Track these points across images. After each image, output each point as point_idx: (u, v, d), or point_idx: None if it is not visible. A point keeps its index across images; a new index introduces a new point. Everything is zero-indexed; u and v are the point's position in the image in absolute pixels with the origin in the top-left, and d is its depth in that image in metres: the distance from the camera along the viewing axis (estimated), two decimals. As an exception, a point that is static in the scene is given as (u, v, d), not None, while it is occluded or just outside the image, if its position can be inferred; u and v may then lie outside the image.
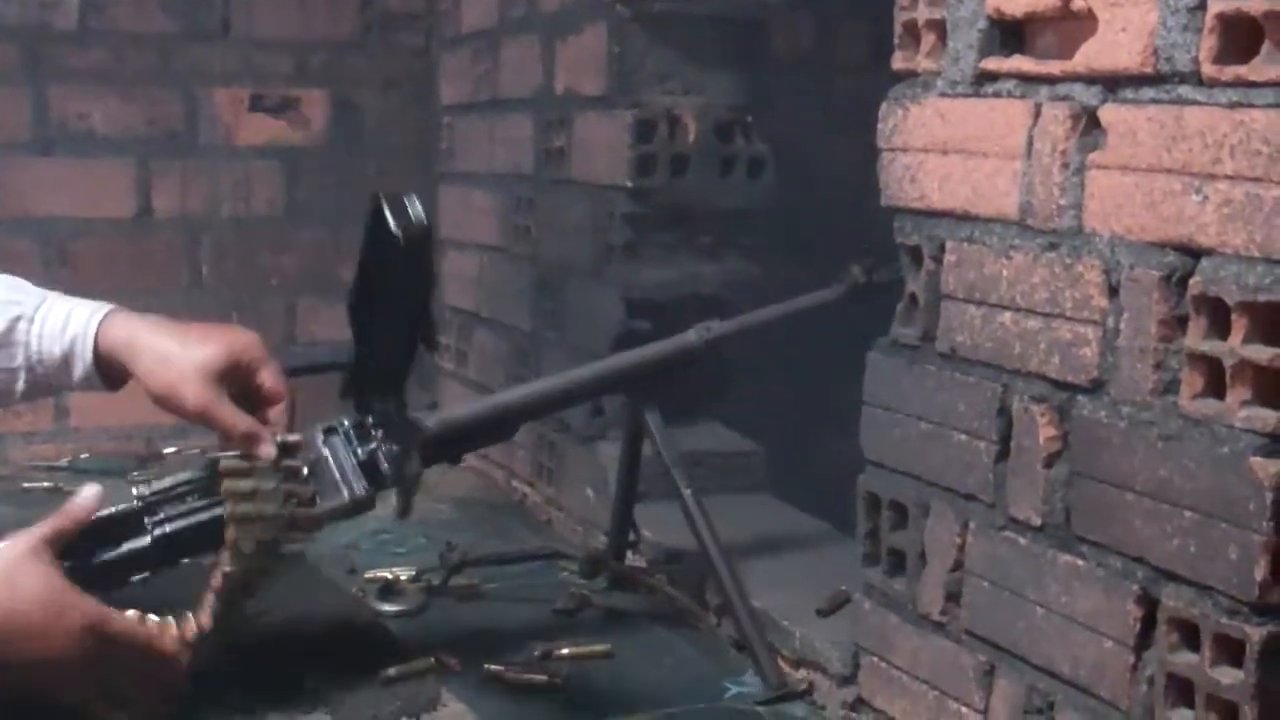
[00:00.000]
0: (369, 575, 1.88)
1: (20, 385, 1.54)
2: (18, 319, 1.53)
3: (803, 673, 1.55)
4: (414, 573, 1.87)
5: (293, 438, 1.46)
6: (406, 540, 2.08)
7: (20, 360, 1.53)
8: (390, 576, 1.86)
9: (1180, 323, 1.07)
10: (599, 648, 1.63)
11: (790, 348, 2.09)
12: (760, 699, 1.52)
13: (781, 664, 1.57)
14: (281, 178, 2.74)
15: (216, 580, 1.40)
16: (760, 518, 1.95)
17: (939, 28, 1.31)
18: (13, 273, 2.43)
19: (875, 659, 1.42)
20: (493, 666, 1.56)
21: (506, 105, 2.40)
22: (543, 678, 1.53)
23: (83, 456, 2.56)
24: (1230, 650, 1.02)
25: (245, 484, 1.41)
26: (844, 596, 1.59)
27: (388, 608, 1.77)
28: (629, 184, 1.96)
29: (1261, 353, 0.99)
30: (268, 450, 1.43)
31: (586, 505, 2.08)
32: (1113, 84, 1.12)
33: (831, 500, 2.00)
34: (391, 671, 1.52)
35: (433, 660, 1.56)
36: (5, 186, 2.59)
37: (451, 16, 2.66)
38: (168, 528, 1.44)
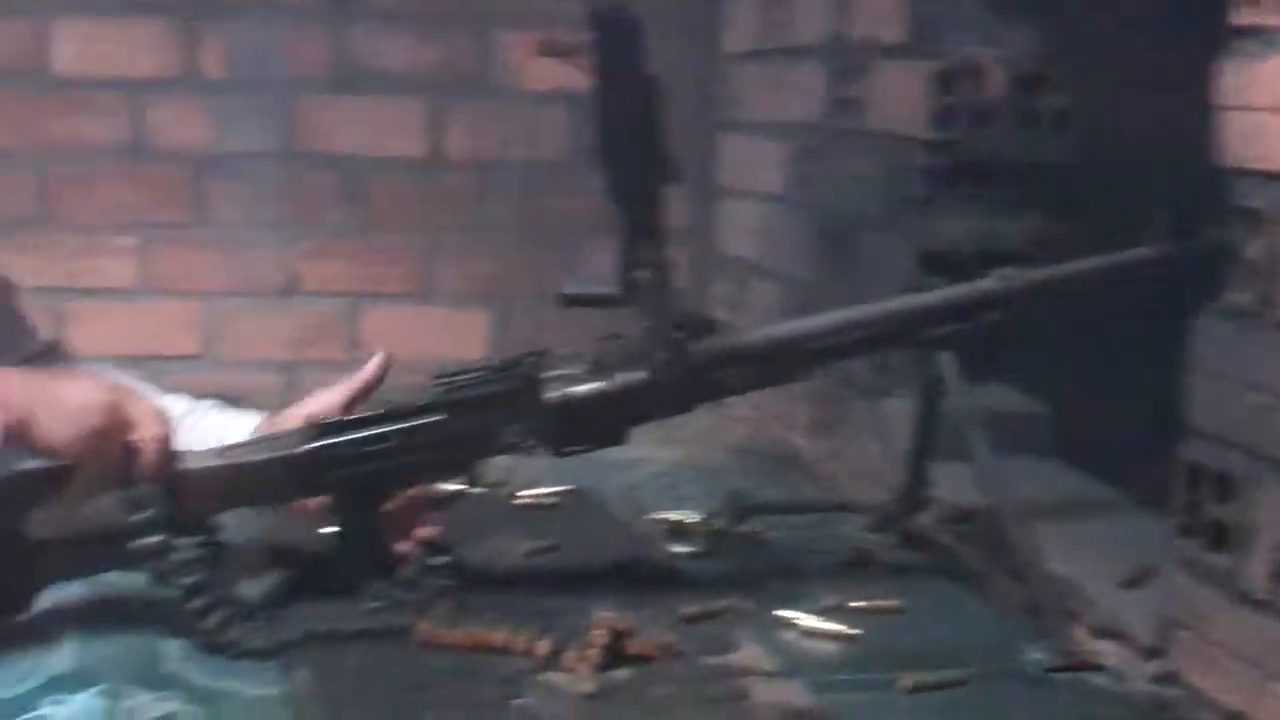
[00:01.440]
0: (655, 516, 1.91)
1: None
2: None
3: (1103, 643, 1.52)
4: (701, 516, 1.89)
5: None
6: (687, 485, 2.11)
7: None
8: (678, 519, 1.88)
9: None
10: (890, 602, 1.62)
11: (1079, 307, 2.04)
12: (1050, 665, 1.49)
13: (1079, 633, 1.54)
14: (567, 122, 2.78)
15: None
16: (1048, 482, 1.91)
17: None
18: (309, 208, 2.56)
19: (1189, 634, 1.38)
20: (785, 613, 1.57)
21: (796, 53, 2.38)
22: (837, 628, 1.53)
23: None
24: None
25: None
26: (1150, 570, 1.54)
27: (678, 549, 1.79)
28: (928, 135, 1.93)
29: None
30: None
31: (868, 460, 2.07)
32: None
33: (1114, 467, 1.96)
34: (689, 611, 1.55)
35: (728, 602, 1.58)
36: (304, 122, 2.69)
37: (740, -37, 2.65)
38: None
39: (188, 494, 1.50)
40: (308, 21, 2.67)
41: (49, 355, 1.76)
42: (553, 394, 1.55)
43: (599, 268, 2.79)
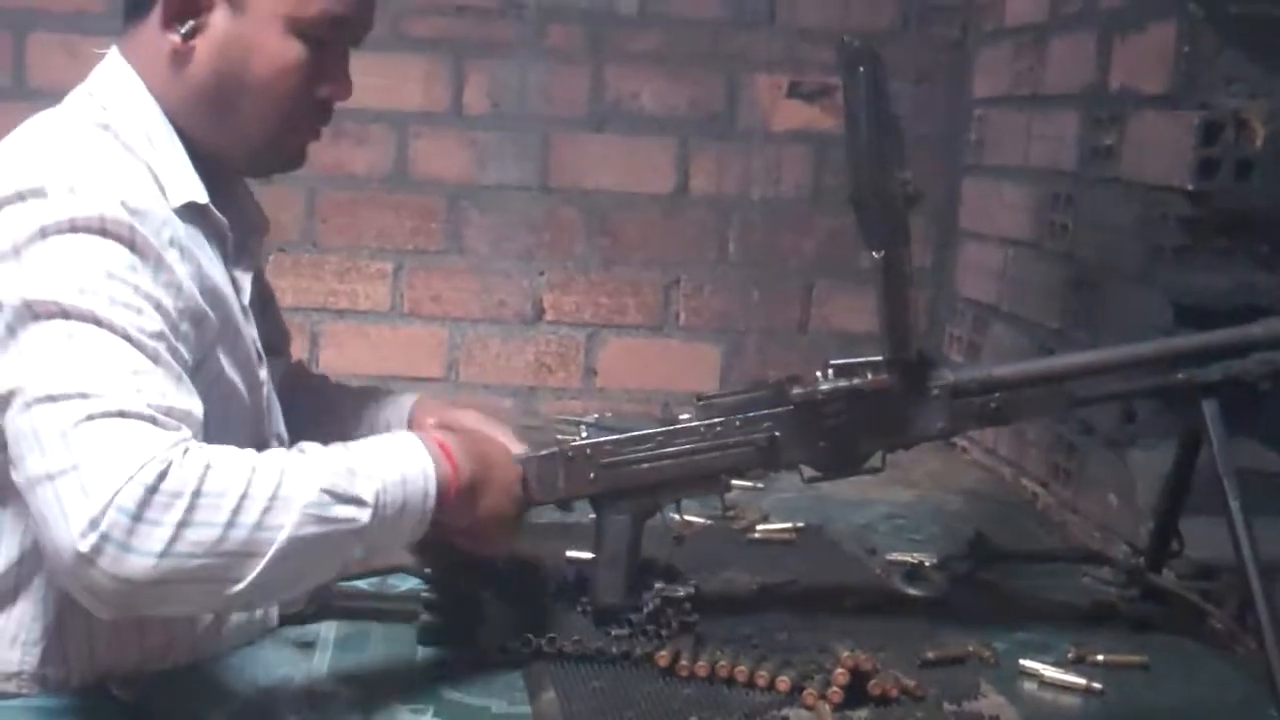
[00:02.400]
0: (890, 558, 1.92)
1: None
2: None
3: (1352, 715, 1.48)
4: (938, 559, 1.89)
5: None
6: (922, 527, 2.11)
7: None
8: (914, 561, 1.89)
9: None
10: (1135, 657, 1.61)
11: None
12: (1281, 732, 1.46)
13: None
14: (810, 163, 2.82)
15: None
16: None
17: None
18: (557, 240, 2.65)
19: None
20: (1027, 663, 1.56)
21: (1049, 100, 2.37)
22: (1082, 681, 1.52)
23: (606, 415, 2.73)
24: None
25: None
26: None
27: (914, 591, 1.80)
28: (1188, 186, 1.90)
29: None
30: None
31: (1108, 511, 2.04)
32: None
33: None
34: (930, 654, 1.56)
35: (969, 649, 1.58)
36: (561, 159, 2.79)
37: (993, 10, 2.65)
38: None
39: None
40: (570, 63, 2.76)
41: (299, 376, 1.83)
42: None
43: (831, 315, 2.82)
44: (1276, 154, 1.91)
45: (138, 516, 1.18)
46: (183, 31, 1.41)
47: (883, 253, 1.55)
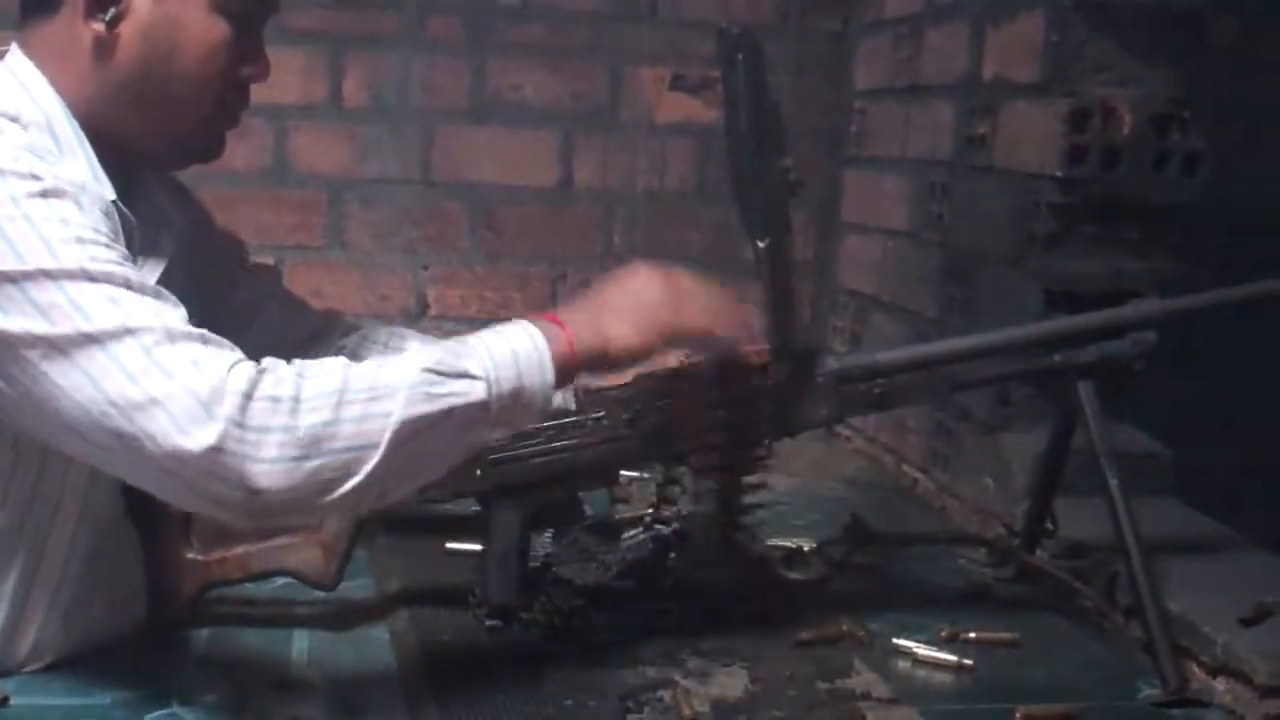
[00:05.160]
0: (771, 543, 1.93)
1: None
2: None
3: (1219, 680, 1.51)
4: (816, 544, 1.91)
5: None
6: (802, 513, 2.13)
7: None
8: (794, 546, 1.90)
9: None
10: (1006, 635, 1.63)
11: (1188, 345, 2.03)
12: (1160, 701, 1.49)
13: (1196, 670, 1.54)
14: (694, 155, 2.83)
15: None
16: (1168, 521, 1.90)
17: None
18: (441, 233, 2.65)
19: (1309, 674, 1.37)
20: (901, 641, 1.58)
21: (926, 91, 2.40)
22: (954, 658, 1.55)
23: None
24: None
25: None
26: (1268, 608, 1.54)
27: (793, 575, 1.81)
28: (1058, 173, 1.94)
29: None
30: None
31: (985, 495, 2.07)
32: None
33: (1224, 506, 1.95)
34: (804, 635, 1.57)
35: (844, 629, 1.60)
36: (442, 152, 2.77)
37: (873, 2, 2.68)
38: None
39: None
40: (449, 54, 2.74)
41: (335, 323, 1.85)
42: None
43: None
44: (1144, 141, 1.95)
45: (244, 424, 1.20)
46: (106, 19, 1.39)
47: (766, 242, 1.56)
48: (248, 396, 1.21)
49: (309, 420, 1.23)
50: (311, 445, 1.22)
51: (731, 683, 1.46)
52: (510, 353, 1.35)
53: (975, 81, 2.20)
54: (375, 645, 1.56)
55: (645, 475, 2.17)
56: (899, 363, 1.65)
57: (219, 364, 1.22)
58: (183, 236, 1.57)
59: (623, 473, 1.70)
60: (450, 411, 1.29)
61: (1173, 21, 2.00)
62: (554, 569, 1.67)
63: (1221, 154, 2.11)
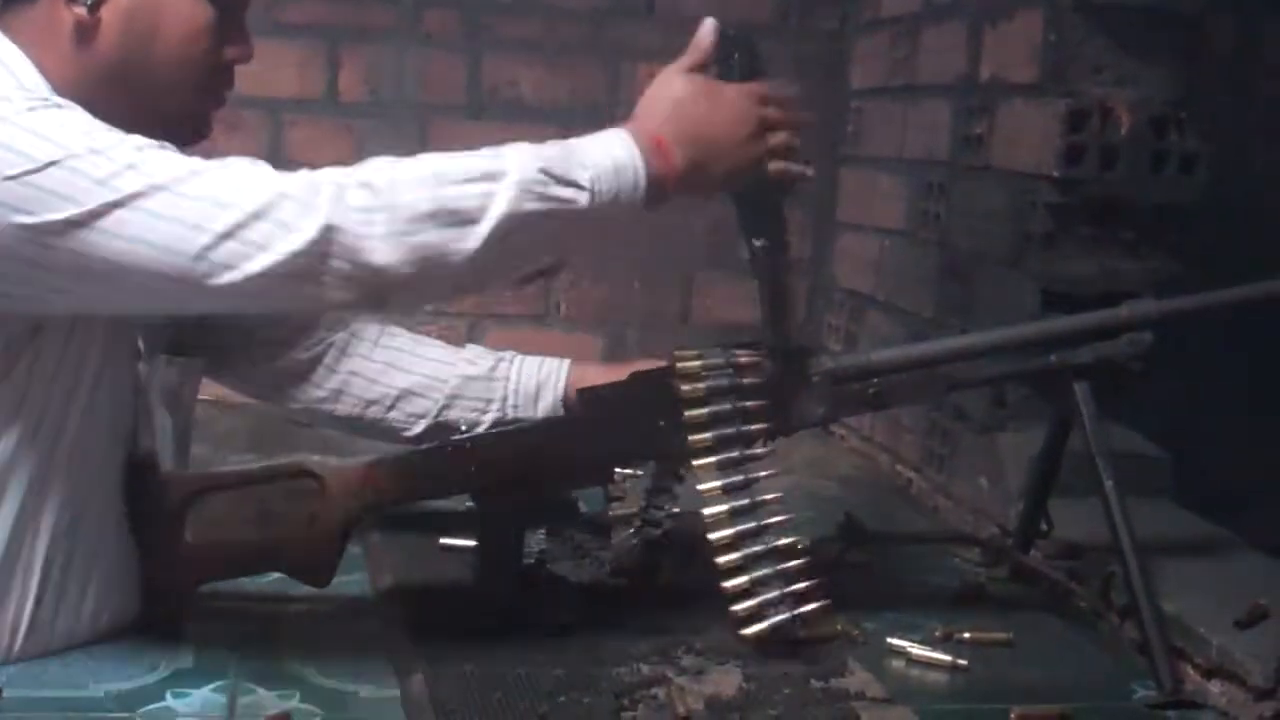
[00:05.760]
0: (766, 541, 1.93)
1: (489, 416, 1.79)
2: (500, 360, 1.81)
3: (1213, 682, 1.51)
4: (809, 542, 1.90)
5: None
6: (797, 512, 2.12)
7: (498, 394, 1.80)
8: (788, 544, 1.89)
9: None
10: (1000, 635, 1.63)
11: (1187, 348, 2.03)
12: (1155, 703, 1.49)
13: (1190, 671, 1.54)
14: (691, 152, 2.82)
15: None
16: (1164, 523, 1.90)
17: None
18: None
19: (1304, 676, 1.37)
20: (895, 641, 1.58)
21: (923, 90, 2.40)
22: (948, 658, 1.54)
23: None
24: None
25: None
26: (1263, 609, 1.54)
27: (788, 573, 1.80)
28: (1055, 173, 1.93)
29: None
30: None
31: (979, 495, 2.07)
32: None
33: (1229, 509, 1.95)
34: (799, 633, 1.56)
35: (838, 628, 1.59)
36: (438, 147, 2.71)
37: (869, 1, 2.67)
38: None
39: None
40: (446, 49, 2.74)
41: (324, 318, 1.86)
42: None
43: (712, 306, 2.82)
44: (1141, 141, 1.95)
45: (346, 207, 1.28)
46: (87, 3, 1.38)
47: (761, 241, 1.57)
48: (342, 186, 1.29)
49: (408, 198, 1.30)
50: (415, 221, 1.29)
51: (726, 681, 1.45)
52: (612, 166, 1.40)
53: (972, 81, 2.20)
54: (368, 641, 1.56)
55: (639, 473, 2.17)
56: (895, 362, 1.65)
57: (300, 171, 1.31)
58: None
59: (617, 470, 1.69)
60: (553, 214, 1.36)
61: (1170, 22, 2.00)
62: (548, 566, 1.67)
63: (1219, 155, 2.12)
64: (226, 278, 1.28)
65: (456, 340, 2.72)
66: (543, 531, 1.69)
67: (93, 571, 1.45)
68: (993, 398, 2.06)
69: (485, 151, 1.38)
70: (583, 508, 1.87)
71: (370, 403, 1.79)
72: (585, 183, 1.37)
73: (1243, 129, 2.39)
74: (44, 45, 1.40)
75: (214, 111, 1.51)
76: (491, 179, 1.33)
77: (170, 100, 1.45)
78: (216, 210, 1.27)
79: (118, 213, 1.26)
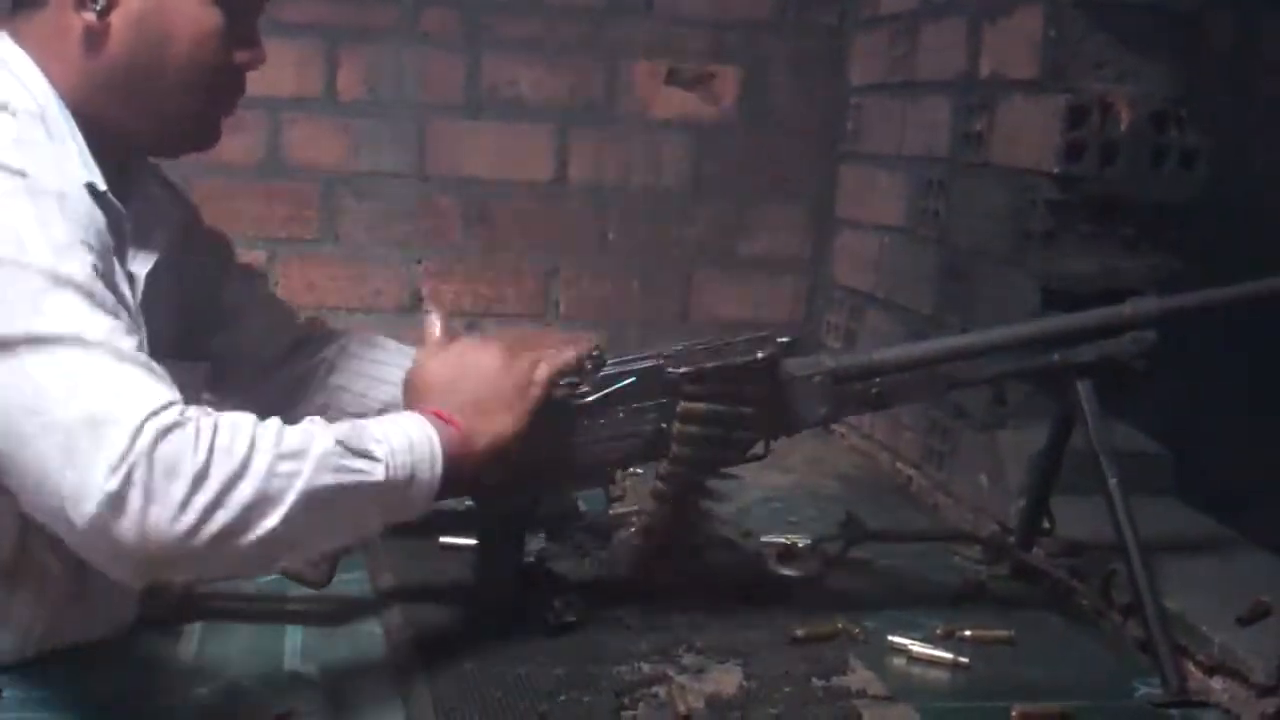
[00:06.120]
0: (765, 539, 1.93)
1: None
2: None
3: (1216, 680, 1.51)
4: (811, 541, 1.90)
5: None
6: (797, 510, 2.12)
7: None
8: (788, 542, 1.90)
9: None
10: (1002, 633, 1.63)
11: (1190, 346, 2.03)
12: (1160, 701, 1.49)
13: (1192, 669, 1.53)
14: (690, 151, 2.82)
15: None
16: (1167, 521, 1.90)
17: None
18: (435, 228, 2.62)
19: (1307, 673, 1.37)
20: (896, 639, 1.58)
21: (923, 87, 2.39)
22: (949, 656, 1.54)
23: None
24: None
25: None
26: (1265, 607, 1.53)
27: (787, 572, 1.80)
28: (1055, 170, 1.93)
29: None
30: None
31: (979, 493, 2.07)
32: None
33: (1231, 507, 1.95)
34: (799, 632, 1.56)
35: (839, 626, 1.59)
36: (437, 146, 2.76)
37: (870, -2, 2.67)
38: None
39: None
40: (445, 48, 2.73)
41: (317, 332, 1.85)
42: None
43: (712, 304, 2.82)
44: (1142, 138, 1.95)
45: (153, 467, 1.16)
46: (97, 8, 1.37)
47: None
48: (160, 437, 1.17)
49: (218, 470, 1.19)
50: (218, 494, 1.19)
51: (726, 679, 1.45)
52: (407, 440, 1.35)
53: (972, 78, 2.20)
54: (368, 641, 1.56)
55: (640, 472, 2.17)
56: (896, 361, 1.64)
57: (147, 399, 1.19)
58: (174, 232, 1.56)
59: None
60: (350, 487, 1.28)
61: (1171, 18, 2.00)
62: (548, 565, 1.67)
63: (1219, 151, 2.12)
64: (15, 460, 1.20)
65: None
66: (543, 531, 1.69)
67: (93, 573, 1.44)
68: (993, 395, 2.05)
69: (304, 426, 1.30)
70: (582, 507, 1.88)
71: (356, 418, 1.77)
72: (380, 455, 1.31)
73: (1242, 126, 2.38)
74: (53, 51, 1.39)
75: (224, 118, 1.50)
76: (302, 455, 1.25)
77: (179, 106, 1.44)
78: (57, 395, 1.18)
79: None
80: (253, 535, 1.21)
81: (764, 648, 1.53)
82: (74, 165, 1.35)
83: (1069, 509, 1.80)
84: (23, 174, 1.27)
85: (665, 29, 2.78)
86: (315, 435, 1.27)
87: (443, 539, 1.79)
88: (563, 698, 1.38)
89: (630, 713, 1.37)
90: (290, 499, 1.23)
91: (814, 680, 1.46)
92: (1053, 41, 1.96)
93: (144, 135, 1.45)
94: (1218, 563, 1.77)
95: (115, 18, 1.38)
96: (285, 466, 1.23)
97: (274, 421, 1.27)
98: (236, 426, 1.22)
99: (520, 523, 1.60)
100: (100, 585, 1.45)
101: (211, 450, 1.19)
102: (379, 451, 1.31)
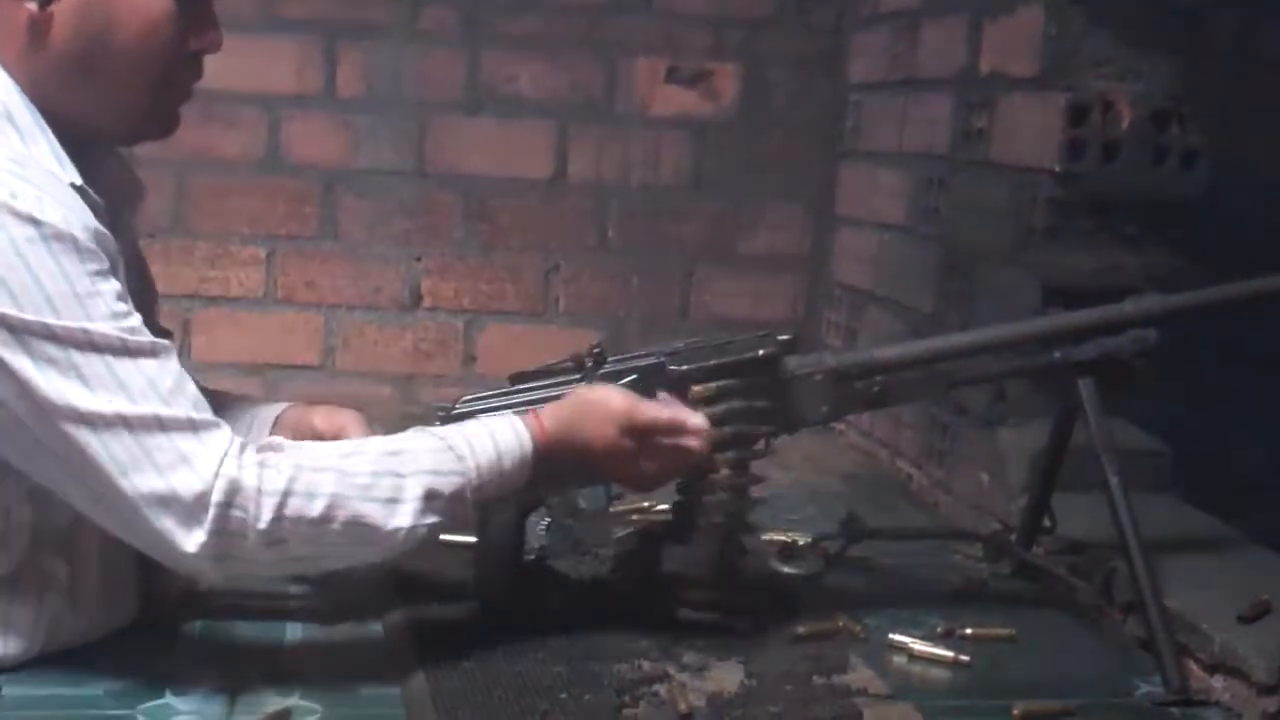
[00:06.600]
0: (766, 537, 1.92)
1: None
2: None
3: (1217, 678, 1.50)
4: (811, 538, 1.90)
5: None
6: (799, 508, 2.12)
7: None
8: (789, 540, 1.89)
9: None
10: (1003, 631, 1.63)
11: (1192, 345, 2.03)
12: (1161, 700, 1.49)
13: (1193, 667, 1.53)
14: (690, 149, 2.82)
15: None
16: (1169, 519, 1.89)
17: None
18: (434, 225, 2.58)
19: (1309, 671, 1.37)
20: (897, 637, 1.57)
21: (923, 85, 2.39)
22: (950, 654, 1.54)
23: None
24: None
25: None
26: (1267, 605, 1.53)
27: (788, 569, 1.80)
28: (1056, 168, 1.93)
29: None
30: None
31: (980, 490, 2.06)
32: None
33: (1232, 505, 1.94)
34: (800, 630, 1.56)
35: (840, 624, 1.59)
36: (436, 143, 2.75)
37: (869, -5, 2.67)
38: None
39: None
40: (445, 45, 2.73)
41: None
42: None
43: (711, 301, 2.81)
44: (1143, 136, 1.95)
45: (223, 532, 1.29)
46: None
47: None
48: (227, 505, 1.28)
49: (295, 532, 1.32)
50: (297, 548, 1.34)
51: (727, 677, 1.45)
52: (495, 453, 1.42)
53: (973, 75, 2.19)
54: (368, 637, 1.55)
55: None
56: (898, 359, 1.64)
57: (208, 461, 1.29)
58: (138, 212, 1.56)
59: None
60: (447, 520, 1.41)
61: (1172, 16, 1.99)
62: (548, 562, 1.67)
63: (1220, 149, 2.11)
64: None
65: (457, 339, 2.79)
66: (543, 528, 1.68)
67: (96, 572, 1.44)
68: (993, 393, 2.05)
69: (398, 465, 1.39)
70: (582, 505, 1.87)
71: None
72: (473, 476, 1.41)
73: (1242, 124, 2.38)
74: (3, 44, 1.36)
75: (180, 105, 1.46)
76: (397, 502, 1.37)
77: (133, 95, 1.40)
78: (126, 462, 1.28)
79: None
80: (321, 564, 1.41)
81: (765, 646, 1.53)
82: (47, 162, 1.34)
83: (1070, 507, 1.80)
84: (34, 221, 1.27)
85: (665, 26, 2.78)
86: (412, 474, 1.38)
87: (443, 537, 1.78)
88: (563, 695, 1.38)
89: (631, 710, 1.37)
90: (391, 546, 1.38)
91: (815, 678, 1.46)
92: (1053, 39, 1.96)
93: (98, 124, 1.42)
94: (1219, 561, 1.77)
95: (58, 7, 1.35)
96: (377, 513, 1.36)
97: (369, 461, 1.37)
98: (320, 470, 1.34)
99: (520, 519, 1.59)
100: (102, 589, 1.44)
101: (284, 499, 1.31)
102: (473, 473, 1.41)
